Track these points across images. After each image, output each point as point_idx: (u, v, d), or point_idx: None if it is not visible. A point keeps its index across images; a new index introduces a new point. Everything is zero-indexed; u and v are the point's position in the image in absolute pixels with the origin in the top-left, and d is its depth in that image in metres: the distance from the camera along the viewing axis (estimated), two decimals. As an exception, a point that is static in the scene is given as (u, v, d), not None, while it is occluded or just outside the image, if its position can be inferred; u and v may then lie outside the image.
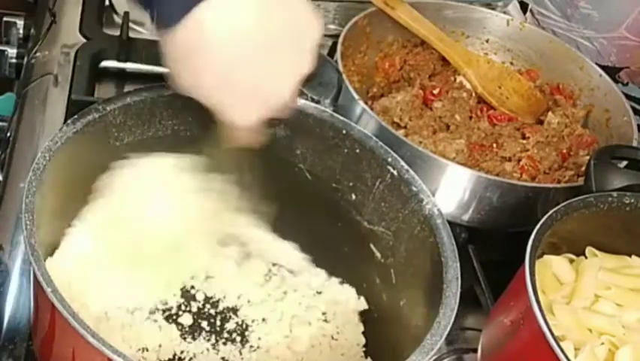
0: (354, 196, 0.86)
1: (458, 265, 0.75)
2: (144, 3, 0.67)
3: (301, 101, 0.85)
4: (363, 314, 0.87)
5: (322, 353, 0.83)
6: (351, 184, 0.86)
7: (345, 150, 0.85)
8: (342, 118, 0.85)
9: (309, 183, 0.88)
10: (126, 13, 1.11)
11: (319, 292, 0.88)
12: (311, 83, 0.87)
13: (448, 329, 0.70)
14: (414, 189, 0.81)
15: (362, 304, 0.87)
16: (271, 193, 0.87)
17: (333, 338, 0.85)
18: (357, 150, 0.84)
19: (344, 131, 0.85)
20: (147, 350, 0.79)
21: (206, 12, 0.64)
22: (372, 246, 0.86)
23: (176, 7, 0.64)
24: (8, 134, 1.02)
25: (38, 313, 0.73)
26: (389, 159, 0.83)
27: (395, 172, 0.83)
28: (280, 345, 0.82)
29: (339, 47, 0.98)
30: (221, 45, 0.65)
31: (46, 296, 0.63)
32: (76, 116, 0.76)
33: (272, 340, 0.83)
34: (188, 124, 0.82)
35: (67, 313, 0.62)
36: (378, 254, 0.85)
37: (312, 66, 0.70)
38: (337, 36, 1.01)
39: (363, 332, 0.86)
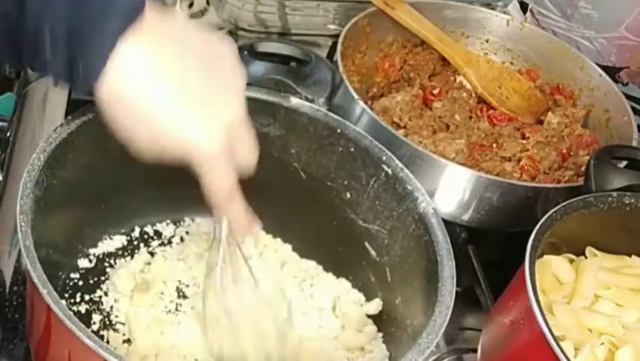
0: (348, 195, 0.86)
1: (453, 263, 0.75)
2: (60, 67, 0.62)
3: (295, 100, 0.85)
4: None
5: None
6: (345, 183, 0.86)
7: (340, 149, 0.85)
8: (336, 117, 0.85)
9: (304, 182, 0.88)
10: (126, 13, 1.11)
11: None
12: (305, 82, 0.87)
13: (444, 327, 0.70)
14: (409, 187, 0.81)
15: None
16: (265, 192, 0.87)
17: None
18: (352, 149, 0.85)
19: (338, 130, 0.85)
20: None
21: (123, 68, 0.60)
22: (367, 244, 0.86)
23: (96, 61, 0.60)
24: (8, 134, 1.02)
25: (34, 315, 0.72)
26: (384, 158, 0.83)
27: (390, 171, 0.83)
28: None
29: (339, 47, 0.98)
30: (141, 98, 0.62)
31: (41, 298, 0.62)
32: (70, 117, 0.76)
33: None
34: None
35: (63, 315, 0.61)
36: (373, 252, 0.85)
37: (243, 113, 0.67)
38: (337, 36, 1.01)
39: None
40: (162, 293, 0.84)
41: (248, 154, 0.69)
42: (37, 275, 0.63)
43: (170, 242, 0.90)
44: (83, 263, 0.85)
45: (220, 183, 0.67)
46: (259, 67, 0.88)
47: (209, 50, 0.66)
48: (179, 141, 0.64)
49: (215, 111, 0.64)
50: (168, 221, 0.91)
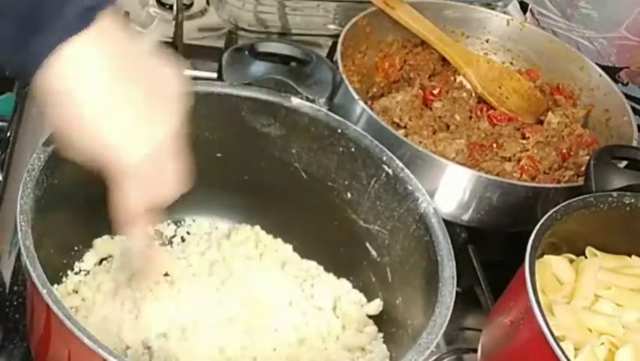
0: (349, 195, 0.86)
1: (454, 263, 0.75)
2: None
3: (296, 100, 0.85)
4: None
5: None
6: (346, 183, 0.86)
7: (341, 149, 0.85)
8: (337, 117, 0.85)
9: (305, 182, 0.88)
10: (126, 13, 1.11)
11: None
12: (306, 82, 0.87)
13: (444, 327, 0.70)
14: (409, 187, 0.81)
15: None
16: (266, 192, 0.87)
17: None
18: (353, 149, 0.85)
19: (339, 130, 0.85)
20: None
21: (61, 62, 0.60)
22: (367, 245, 0.86)
23: (33, 56, 0.60)
24: (8, 134, 1.02)
25: (34, 314, 0.72)
26: (384, 158, 0.83)
27: (390, 171, 0.83)
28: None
29: (339, 47, 0.98)
30: (81, 93, 0.61)
31: (41, 298, 0.62)
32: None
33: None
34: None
35: (62, 315, 0.61)
36: (373, 253, 0.85)
37: (173, 138, 0.66)
38: (337, 36, 1.01)
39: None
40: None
41: (170, 182, 0.67)
42: (36, 275, 0.63)
43: (170, 242, 0.91)
44: (84, 264, 0.85)
45: (126, 202, 0.66)
46: (259, 67, 0.88)
47: (156, 73, 0.65)
48: (103, 145, 0.63)
49: (147, 128, 0.64)
50: (169, 221, 0.91)
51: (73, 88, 0.61)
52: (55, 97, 0.62)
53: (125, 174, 0.64)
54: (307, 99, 0.86)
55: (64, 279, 0.82)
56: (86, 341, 0.60)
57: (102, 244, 0.86)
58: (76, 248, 0.84)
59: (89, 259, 0.85)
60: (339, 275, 0.89)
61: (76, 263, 0.84)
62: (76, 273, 0.84)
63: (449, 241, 0.77)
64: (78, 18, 0.59)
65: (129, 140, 0.63)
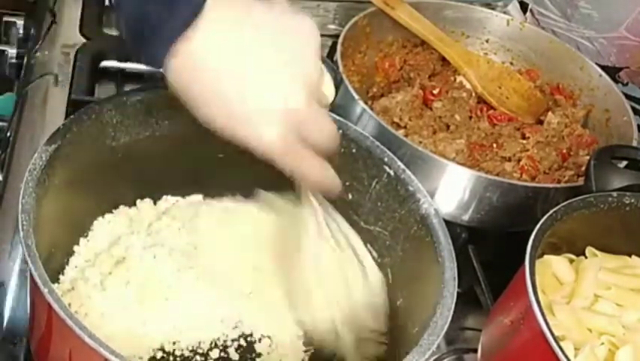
0: (350, 196, 0.86)
1: (455, 264, 0.75)
2: (133, 45, 0.65)
3: None
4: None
5: None
6: (347, 184, 0.86)
7: (342, 150, 0.85)
8: (338, 117, 0.85)
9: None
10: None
11: None
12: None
13: (445, 328, 0.70)
14: (410, 188, 0.81)
15: None
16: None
17: None
18: (354, 150, 0.84)
19: (340, 131, 0.84)
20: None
21: (193, 42, 0.62)
22: (368, 246, 0.86)
23: (159, 45, 0.63)
24: (8, 134, 1.02)
25: (35, 314, 0.73)
26: (385, 159, 0.83)
27: (392, 172, 0.83)
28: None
29: (339, 47, 0.98)
30: (213, 74, 0.64)
31: (43, 297, 0.62)
32: (72, 117, 0.76)
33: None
34: (184, 124, 0.82)
35: (64, 314, 0.61)
36: (374, 254, 0.85)
37: (319, 72, 0.68)
38: (337, 36, 1.01)
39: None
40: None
41: (325, 130, 0.69)
42: (38, 274, 0.63)
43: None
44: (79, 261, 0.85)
45: (298, 172, 0.68)
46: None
47: (283, 22, 0.66)
48: (242, 123, 0.65)
49: (294, 75, 0.65)
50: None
51: (203, 62, 0.63)
52: (189, 77, 0.63)
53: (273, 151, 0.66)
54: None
55: (60, 277, 0.82)
56: (88, 340, 0.60)
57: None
58: (75, 247, 0.84)
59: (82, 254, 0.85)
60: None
61: (71, 260, 0.84)
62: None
63: (450, 243, 0.77)
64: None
65: (281, 104, 0.65)
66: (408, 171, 0.82)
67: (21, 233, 0.66)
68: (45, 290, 0.63)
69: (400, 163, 0.83)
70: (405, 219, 0.82)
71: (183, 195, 0.88)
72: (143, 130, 0.81)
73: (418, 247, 0.80)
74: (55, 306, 0.62)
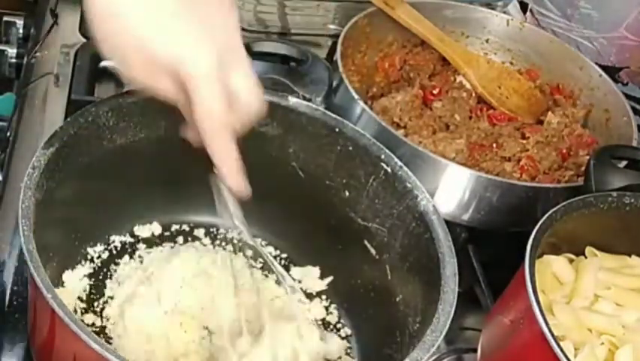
0: (347, 193, 0.86)
1: (455, 260, 0.75)
2: None
3: (293, 100, 0.85)
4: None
5: None
6: (344, 181, 0.86)
7: (338, 148, 0.85)
8: (334, 115, 0.85)
9: (302, 181, 0.88)
10: None
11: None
12: (302, 81, 0.87)
13: (448, 325, 0.70)
14: (408, 185, 0.81)
15: None
16: (263, 192, 0.87)
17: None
18: (350, 148, 0.85)
19: (336, 129, 0.85)
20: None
21: None
22: (366, 243, 0.86)
23: None
24: (8, 134, 1.02)
25: (36, 318, 0.72)
26: (382, 156, 0.83)
27: (389, 169, 0.83)
28: None
29: (339, 47, 0.98)
30: (130, 11, 0.62)
31: (45, 302, 0.62)
32: (69, 119, 0.76)
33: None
34: (180, 125, 0.82)
35: (68, 319, 0.61)
36: (372, 251, 0.85)
37: (238, 38, 0.66)
38: (337, 36, 1.01)
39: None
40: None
41: (246, 85, 0.66)
42: (40, 279, 0.63)
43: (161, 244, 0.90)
44: (85, 266, 0.85)
45: (209, 105, 0.64)
46: (256, 67, 0.86)
47: None
48: (169, 56, 0.62)
49: (207, 29, 0.63)
50: (162, 223, 0.91)
51: (126, 5, 0.61)
52: (109, 24, 0.62)
53: (198, 79, 0.62)
54: (304, 98, 0.86)
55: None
56: (94, 345, 0.60)
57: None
58: (78, 250, 0.84)
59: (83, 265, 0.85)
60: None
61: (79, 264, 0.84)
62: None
63: (450, 239, 0.77)
64: None
65: (194, 44, 0.62)
66: (405, 168, 0.82)
67: (22, 238, 0.65)
68: (48, 296, 0.62)
69: (396, 160, 0.83)
70: (403, 216, 0.82)
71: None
72: (138, 132, 0.81)
73: (417, 243, 0.80)
74: (59, 311, 0.61)
